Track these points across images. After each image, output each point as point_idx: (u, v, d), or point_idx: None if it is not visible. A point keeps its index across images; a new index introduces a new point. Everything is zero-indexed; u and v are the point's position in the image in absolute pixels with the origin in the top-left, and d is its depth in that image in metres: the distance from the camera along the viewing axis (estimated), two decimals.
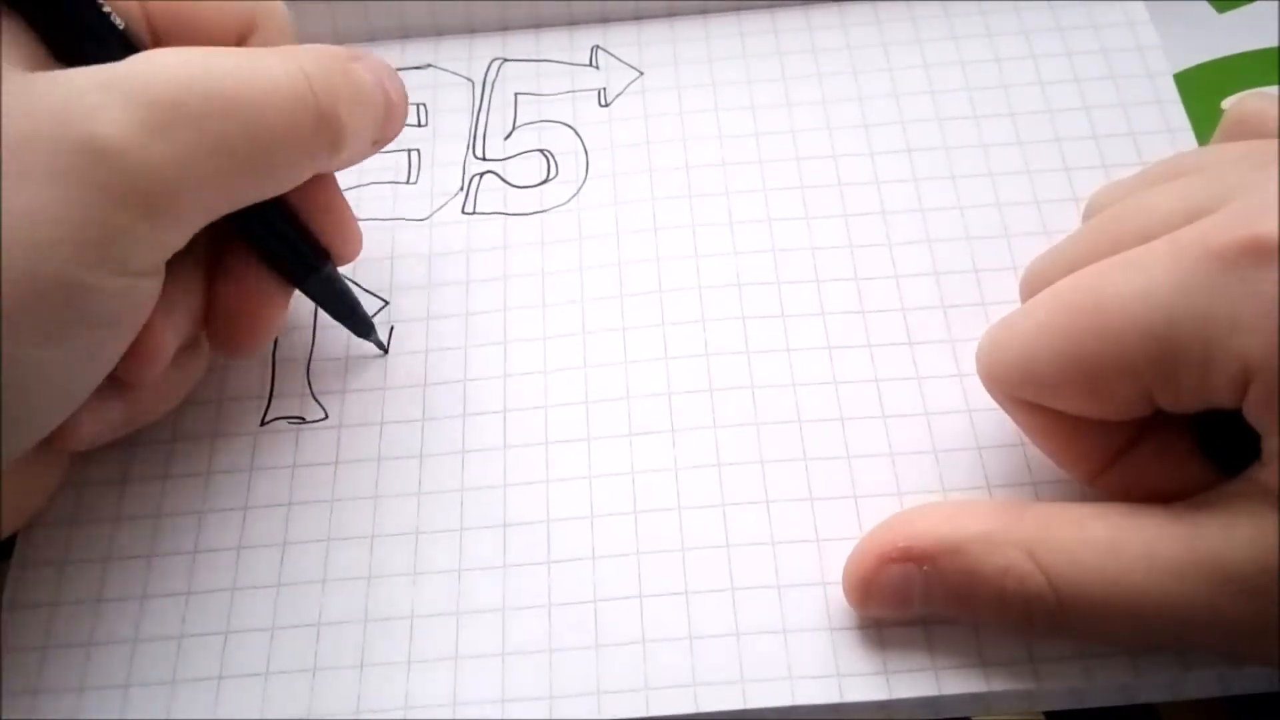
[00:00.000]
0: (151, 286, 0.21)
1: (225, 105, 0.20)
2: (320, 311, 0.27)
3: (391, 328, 0.27)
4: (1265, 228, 0.18)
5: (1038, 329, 0.21)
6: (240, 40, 0.23)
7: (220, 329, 0.24)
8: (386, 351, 0.27)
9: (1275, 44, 0.30)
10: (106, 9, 0.21)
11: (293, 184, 0.22)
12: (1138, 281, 0.19)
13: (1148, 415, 0.21)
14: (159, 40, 0.22)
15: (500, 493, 0.25)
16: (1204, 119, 0.29)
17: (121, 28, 0.21)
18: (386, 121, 0.24)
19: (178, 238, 0.20)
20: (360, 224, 0.26)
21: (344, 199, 0.25)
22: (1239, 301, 0.18)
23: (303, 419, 0.26)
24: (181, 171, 0.19)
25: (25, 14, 0.20)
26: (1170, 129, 0.28)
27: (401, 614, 0.23)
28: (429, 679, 0.22)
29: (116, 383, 0.22)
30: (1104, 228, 0.22)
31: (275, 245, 0.24)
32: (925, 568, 0.21)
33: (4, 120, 0.18)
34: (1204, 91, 0.29)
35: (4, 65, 0.19)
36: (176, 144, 0.19)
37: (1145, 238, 0.20)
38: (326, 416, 0.26)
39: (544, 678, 0.22)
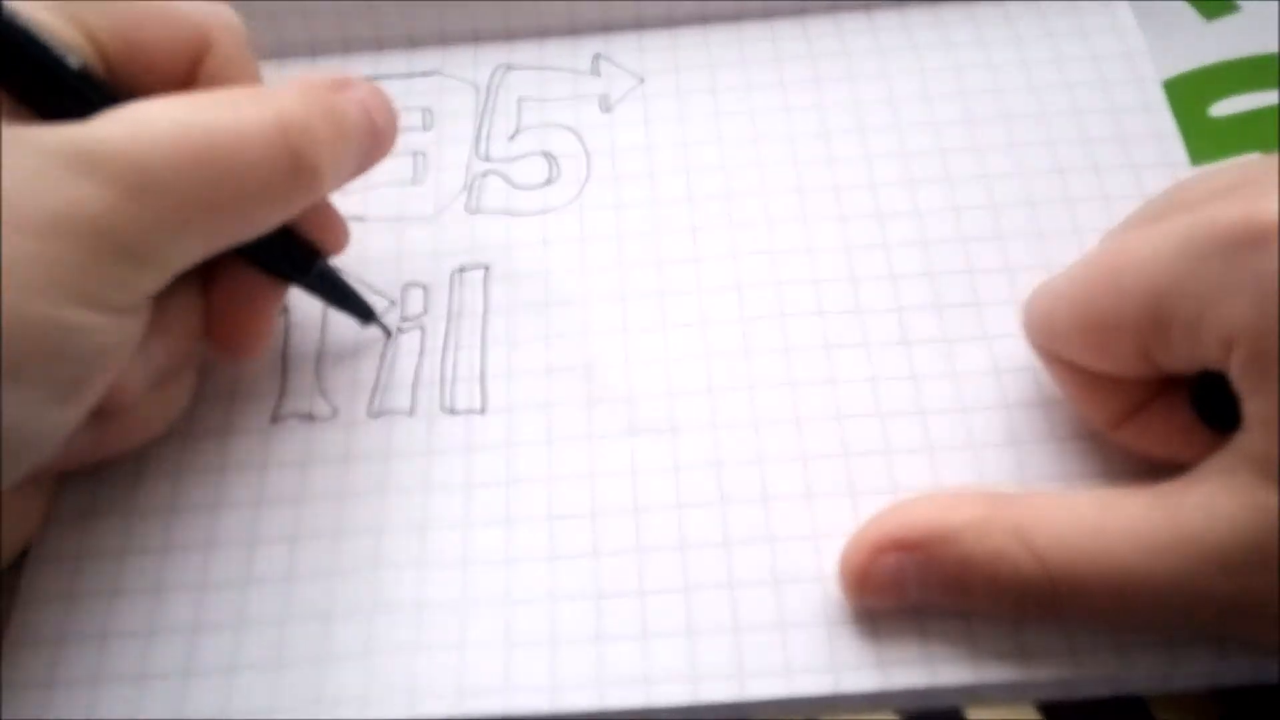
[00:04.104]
0: (135, 323, 0.21)
1: (201, 166, 0.20)
2: (328, 310, 0.28)
3: (398, 326, 0.28)
4: (1259, 208, 0.19)
5: (1063, 285, 0.23)
6: (195, 60, 0.23)
7: (219, 335, 0.24)
8: (391, 335, 0.27)
9: (1261, 51, 0.30)
10: (59, 53, 0.20)
11: (273, 225, 0.23)
12: (1149, 246, 0.21)
13: (1154, 377, 0.22)
14: (111, 66, 0.22)
15: (504, 489, 0.25)
16: (1192, 125, 0.29)
17: (78, 69, 0.21)
18: (372, 150, 0.24)
19: (158, 282, 0.21)
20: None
21: (328, 200, 0.25)
22: (1231, 272, 0.19)
23: (312, 415, 0.26)
24: (159, 228, 0.20)
25: None
26: (1158, 134, 0.29)
27: (408, 605, 0.24)
28: (434, 669, 0.23)
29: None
30: (1161, 198, 0.23)
31: (264, 253, 0.24)
32: (919, 556, 0.21)
33: None
34: (1191, 98, 0.30)
35: None
36: (154, 206, 0.20)
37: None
38: (335, 413, 0.26)
39: (546, 669, 0.23)
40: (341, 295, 0.26)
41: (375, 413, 0.26)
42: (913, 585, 0.22)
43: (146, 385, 0.23)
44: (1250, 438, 0.20)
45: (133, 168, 0.19)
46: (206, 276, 0.24)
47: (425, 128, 0.31)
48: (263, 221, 0.22)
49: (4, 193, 0.19)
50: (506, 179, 0.30)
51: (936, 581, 0.22)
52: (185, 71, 0.23)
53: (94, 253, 0.19)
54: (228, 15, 0.24)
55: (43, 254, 0.19)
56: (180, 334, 0.24)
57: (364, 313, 0.27)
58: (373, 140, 0.24)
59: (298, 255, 0.25)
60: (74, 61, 0.21)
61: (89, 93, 0.21)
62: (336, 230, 0.25)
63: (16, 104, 0.20)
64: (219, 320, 0.24)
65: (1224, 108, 0.30)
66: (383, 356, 0.27)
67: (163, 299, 0.22)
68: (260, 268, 0.24)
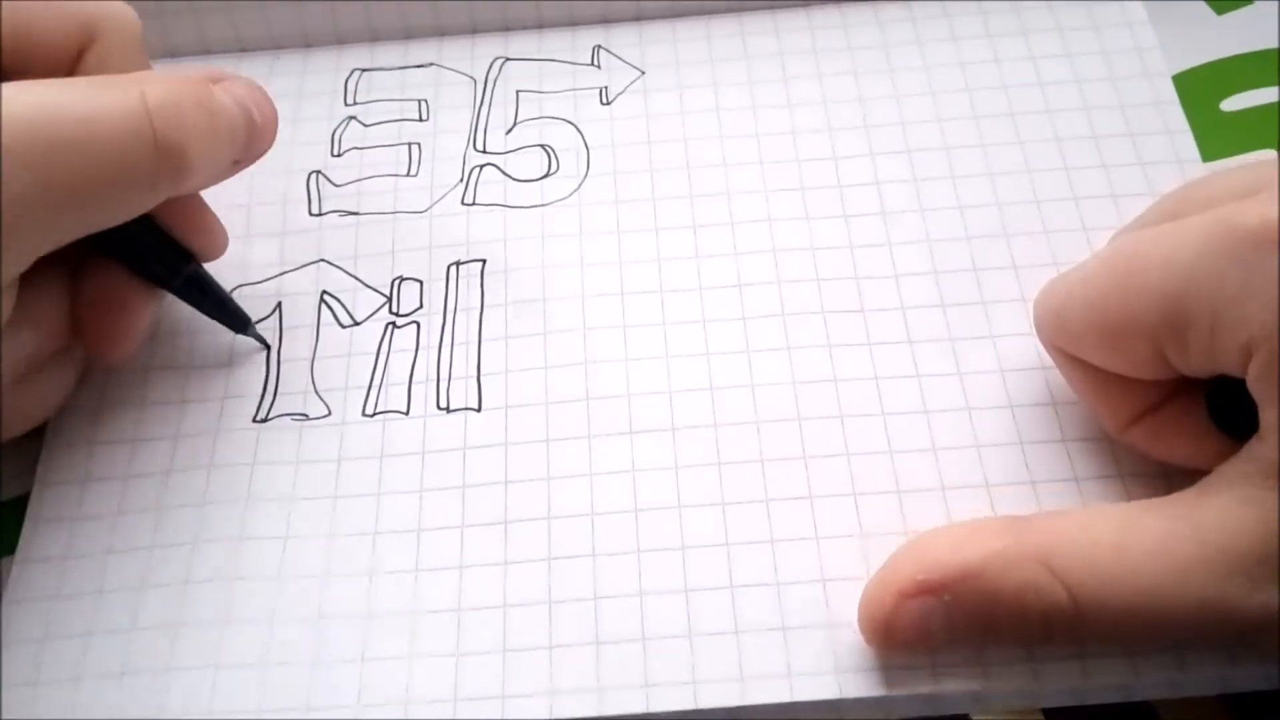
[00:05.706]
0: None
1: (56, 146, 0.20)
2: (323, 308, 0.27)
3: (392, 323, 0.27)
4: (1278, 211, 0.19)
5: (1076, 283, 0.22)
6: (82, 49, 0.23)
7: (86, 334, 0.24)
8: (268, 347, 0.27)
9: (1274, 45, 0.30)
10: None
11: (137, 212, 0.22)
12: (1167, 247, 0.20)
13: (1168, 379, 0.21)
14: None
15: (501, 489, 0.25)
16: (1202, 120, 0.29)
17: None
18: (249, 143, 0.24)
19: (17, 264, 0.21)
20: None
21: (201, 201, 0.25)
22: (1250, 276, 0.19)
23: (306, 415, 0.26)
24: (14, 210, 0.20)
25: None
26: (1169, 130, 0.28)
27: (403, 610, 0.23)
28: (430, 674, 0.22)
29: None
30: (1176, 195, 0.23)
31: (131, 251, 0.24)
32: (946, 598, 0.21)
33: None
34: (1202, 93, 0.29)
35: None
36: (9, 185, 0.20)
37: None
38: (330, 413, 0.26)
39: (544, 674, 0.22)
40: (214, 302, 0.26)
41: (370, 412, 0.26)
42: (939, 628, 0.21)
43: (13, 375, 0.23)
44: (1265, 446, 0.19)
45: None
46: (77, 273, 0.24)
47: (421, 119, 0.30)
48: (125, 205, 0.22)
49: None
50: (503, 172, 0.29)
51: (963, 621, 0.21)
52: (69, 62, 0.23)
53: None
54: (119, 9, 0.24)
55: None
56: (47, 327, 0.24)
57: (238, 322, 0.26)
58: (250, 133, 0.24)
59: (168, 257, 0.24)
60: None
61: None
62: (212, 234, 0.25)
63: None
64: (85, 318, 0.24)
65: (1235, 102, 0.29)
66: (378, 354, 0.27)
67: (30, 289, 0.22)
68: (129, 267, 0.24)
